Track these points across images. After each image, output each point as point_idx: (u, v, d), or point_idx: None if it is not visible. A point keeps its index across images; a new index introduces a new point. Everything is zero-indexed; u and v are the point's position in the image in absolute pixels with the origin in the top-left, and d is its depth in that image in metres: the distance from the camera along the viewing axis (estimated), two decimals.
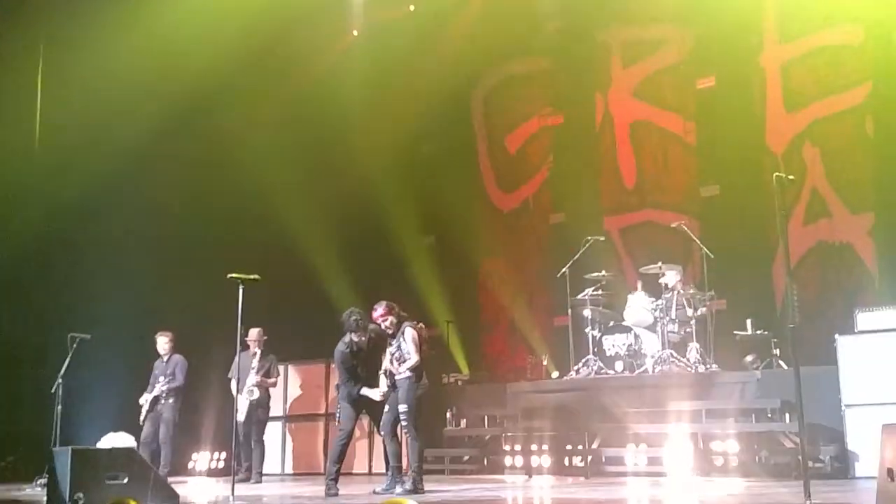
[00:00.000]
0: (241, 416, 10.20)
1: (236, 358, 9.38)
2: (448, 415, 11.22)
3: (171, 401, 10.36)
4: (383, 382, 7.94)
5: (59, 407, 9.41)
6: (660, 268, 10.51)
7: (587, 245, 11.08)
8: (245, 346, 10.22)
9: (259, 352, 10.54)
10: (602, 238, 11.49)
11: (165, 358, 10.59)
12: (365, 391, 7.92)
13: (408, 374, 7.72)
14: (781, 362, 9.79)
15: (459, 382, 12.20)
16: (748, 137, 11.78)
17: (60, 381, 9.52)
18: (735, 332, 10.35)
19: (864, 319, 8.53)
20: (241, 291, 7.39)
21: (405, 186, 13.72)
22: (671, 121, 12.65)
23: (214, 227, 12.77)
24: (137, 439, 9.83)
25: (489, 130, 14.64)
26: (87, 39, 12.03)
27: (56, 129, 12.68)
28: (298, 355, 12.10)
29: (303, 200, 12.91)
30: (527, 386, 11.27)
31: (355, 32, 14.70)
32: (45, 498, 7.57)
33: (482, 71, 14.57)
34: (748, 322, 10.30)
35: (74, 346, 9.64)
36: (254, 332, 10.49)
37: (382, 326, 7.84)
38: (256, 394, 10.44)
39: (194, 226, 12.79)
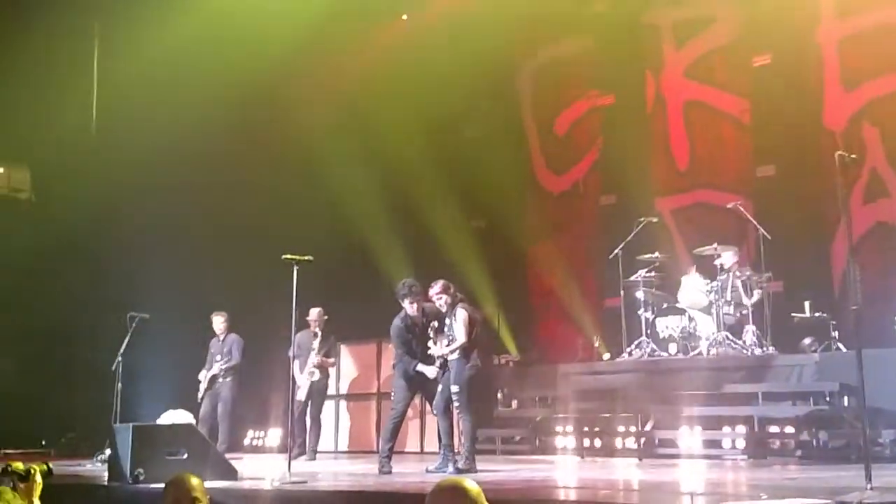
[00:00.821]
0: (301, 395, 10.29)
1: (297, 336, 9.50)
2: (499, 395, 11.23)
3: (228, 379, 10.54)
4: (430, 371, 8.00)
5: (119, 385, 9.63)
6: (715, 249, 10.38)
7: (640, 226, 10.97)
8: (304, 326, 10.32)
9: (320, 332, 10.48)
10: (655, 219, 11.35)
11: (222, 337, 10.77)
12: (421, 367, 8.00)
13: (458, 354, 7.75)
14: (840, 345, 9.63)
15: (510, 364, 12.20)
16: (805, 116, 11.56)
17: (120, 359, 9.73)
18: (793, 314, 10.19)
19: None
20: (295, 272, 7.46)
21: (455, 170, 13.70)
22: (725, 100, 12.46)
23: (270, 209, 12.91)
24: (196, 417, 10.00)
25: (538, 112, 14.55)
26: (142, 17, 12.19)
27: (112, 110, 12.89)
28: (350, 336, 12.21)
29: (355, 183, 12.98)
30: (578, 367, 11.24)
31: (405, 16, 14.67)
32: (105, 473, 7.78)
33: (529, 52, 14.46)
34: (806, 304, 10.14)
35: (134, 325, 9.85)
36: (314, 313, 10.40)
37: (437, 304, 7.88)
38: (317, 375, 10.44)
39: (250, 207, 12.95)
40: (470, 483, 3.04)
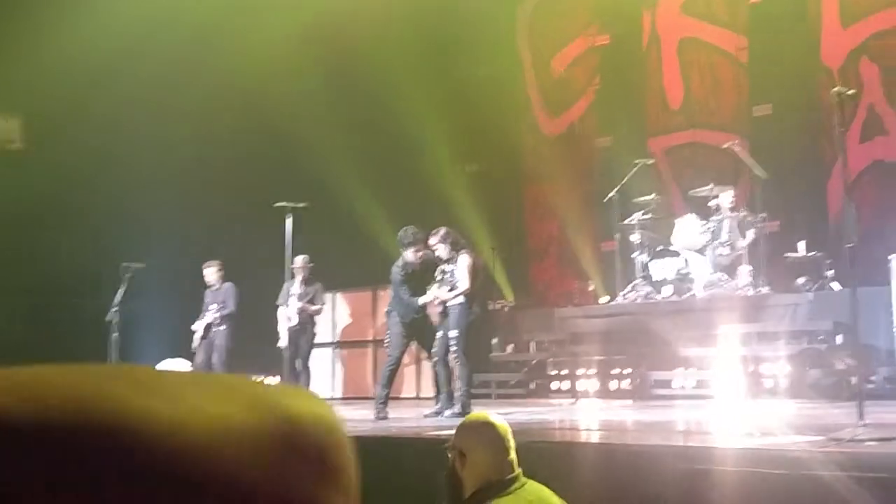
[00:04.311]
0: (282, 342, 10.27)
1: (285, 285, 9.45)
2: (494, 340, 11.28)
3: (223, 327, 10.53)
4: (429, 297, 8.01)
5: (116, 335, 9.63)
6: (711, 189, 10.32)
7: (635, 168, 10.90)
8: (293, 274, 10.27)
9: (300, 279, 10.32)
10: (652, 161, 11.28)
11: (216, 286, 10.72)
12: (421, 299, 7.98)
13: (460, 300, 7.76)
14: (834, 284, 9.64)
15: (506, 308, 12.23)
16: (803, 53, 11.39)
17: (116, 309, 9.72)
18: (787, 254, 10.18)
19: None
20: (289, 220, 7.43)
21: (449, 112, 13.53)
22: (722, 37, 12.26)
23: (264, 155, 12.79)
24: (192, 366, 10.02)
25: (535, 52, 14.33)
26: None
27: (104, 57, 12.65)
28: (346, 283, 12.20)
29: (347, 128, 12.85)
30: (574, 311, 11.26)
31: None
32: None
33: None
34: (800, 244, 10.12)
35: (129, 275, 9.82)
36: (298, 260, 10.33)
37: (436, 253, 7.86)
38: (295, 320, 10.40)
39: (245, 154, 12.83)
40: (498, 419, 3.10)
